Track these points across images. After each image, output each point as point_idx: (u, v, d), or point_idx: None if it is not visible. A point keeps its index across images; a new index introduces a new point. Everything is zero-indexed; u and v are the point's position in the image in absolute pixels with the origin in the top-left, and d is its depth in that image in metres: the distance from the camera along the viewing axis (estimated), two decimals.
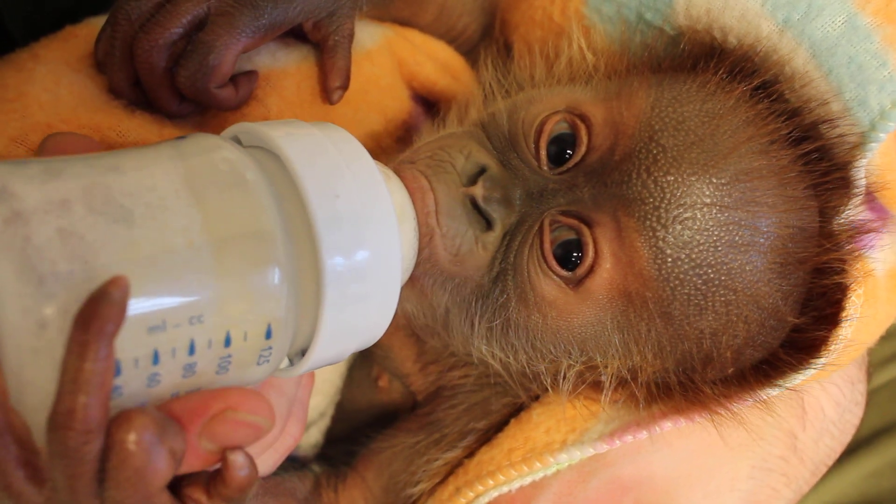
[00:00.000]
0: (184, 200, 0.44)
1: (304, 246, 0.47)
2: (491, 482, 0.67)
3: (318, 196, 0.47)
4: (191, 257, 0.43)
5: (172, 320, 0.43)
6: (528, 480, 0.67)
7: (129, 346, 0.41)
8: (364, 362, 0.79)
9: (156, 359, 0.43)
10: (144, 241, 0.42)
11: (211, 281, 0.43)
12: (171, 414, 0.44)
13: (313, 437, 0.77)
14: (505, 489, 0.67)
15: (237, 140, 0.51)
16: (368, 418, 0.79)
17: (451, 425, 0.72)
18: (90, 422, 0.40)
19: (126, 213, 0.42)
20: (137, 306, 0.41)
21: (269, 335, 0.46)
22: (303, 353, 0.51)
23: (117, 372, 0.41)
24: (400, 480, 0.72)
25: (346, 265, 0.48)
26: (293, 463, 0.76)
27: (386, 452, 0.74)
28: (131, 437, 0.41)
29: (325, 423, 0.77)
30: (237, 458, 0.46)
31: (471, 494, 0.67)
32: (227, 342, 0.45)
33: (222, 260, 0.44)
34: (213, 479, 0.47)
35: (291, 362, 0.52)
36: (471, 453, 0.71)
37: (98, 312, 0.39)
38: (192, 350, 0.44)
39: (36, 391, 0.41)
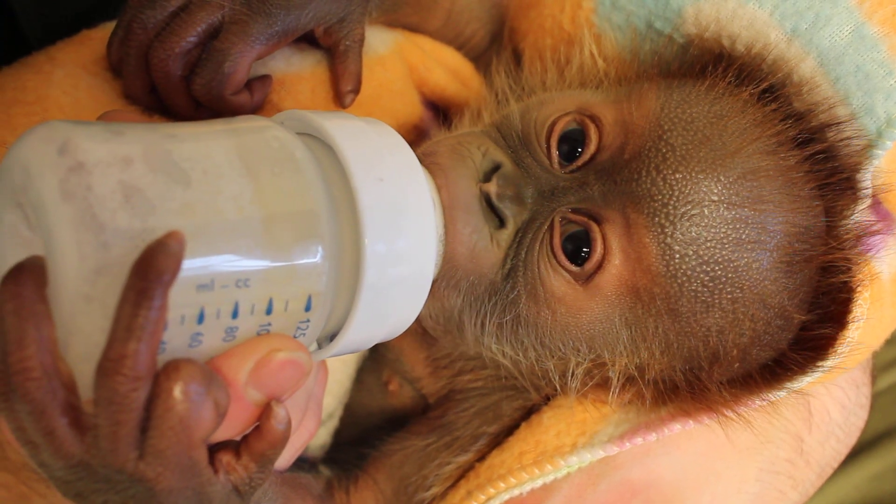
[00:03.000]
0: (237, 171, 0.45)
1: (346, 227, 0.49)
2: (502, 485, 0.67)
3: (363, 177, 0.49)
4: (240, 223, 0.44)
5: (220, 281, 0.44)
6: (539, 483, 0.67)
7: (178, 301, 0.42)
8: (374, 367, 0.79)
9: (201, 318, 0.44)
10: (199, 203, 0.44)
11: (259, 249, 0.45)
12: (215, 368, 0.45)
13: (321, 437, 0.77)
14: (516, 492, 0.67)
15: None
16: (379, 422, 0.79)
17: (463, 429, 0.72)
18: (140, 368, 0.41)
19: (184, 175, 0.44)
20: (189, 264, 0.42)
21: (308, 308, 0.48)
22: (331, 338, 0.52)
23: (164, 327, 0.42)
24: (411, 483, 0.72)
25: (387, 250, 0.49)
26: (303, 464, 0.77)
27: (397, 455, 0.74)
28: (178, 386, 0.42)
29: (333, 424, 0.78)
30: (280, 411, 0.47)
31: (482, 497, 0.67)
32: (269, 310, 0.46)
33: (270, 230, 0.45)
34: (243, 442, 0.48)
35: (319, 346, 0.53)
36: (482, 457, 0.71)
37: (156, 262, 0.40)
38: (235, 313, 0.45)
39: (84, 340, 0.42)
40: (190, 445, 0.44)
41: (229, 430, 0.47)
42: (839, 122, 0.63)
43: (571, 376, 0.65)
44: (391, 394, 0.78)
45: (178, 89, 0.61)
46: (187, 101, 0.62)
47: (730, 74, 0.63)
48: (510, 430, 0.71)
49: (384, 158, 0.51)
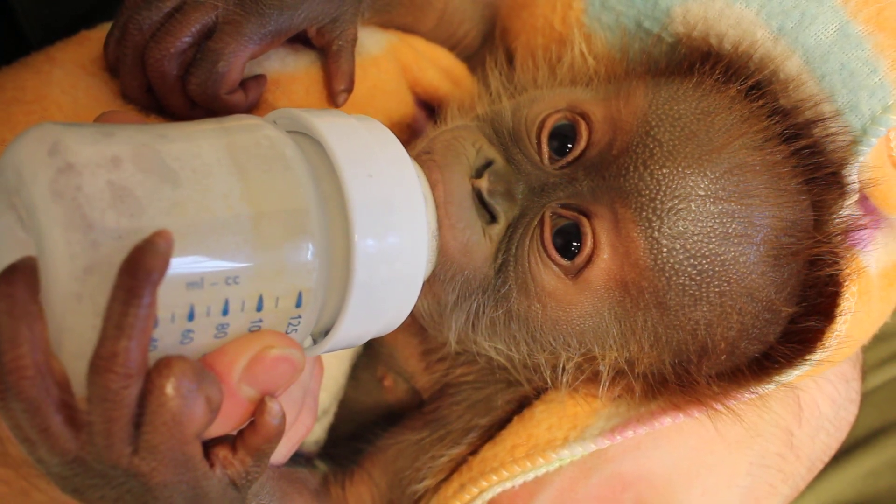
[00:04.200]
0: (226, 169, 0.46)
1: (336, 224, 0.49)
2: (495, 478, 0.68)
3: (353, 174, 0.49)
4: (230, 221, 0.45)
5: (210, 279, 0.44)
6: (530, 476, 0.68)
7: (167, 300, 0.43)
8: (369, 363, 0.80)
9: (191, 315, 0.44)
10: (188, 202, 0.44)
11: (248, 246, 0.45)
12: (208, 365, 0.46)
13: (316, 433, 0.78)
14: (508, 485, 0.68)
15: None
16: (374, 417, 0.80)
17: (455, 422, 0.73)
18: (131, 366, 0.42)
19: (173, 174, 0.44)
20: (178, 262, 0.43)
21: (299, 304, 0.48)
22: (325, 333, 0.52)
23: (154, 324, 0.43)
24: (405, 477, 0.73)
25: (377, 246, 0.50)
26: (299, 459, 0.78)
27: (391, 450, 0.75)
28: (170, 383, 0.43)
29: (328, 420, 0.78)
30: (273, 406, 0.48)
31: (475, 490, 0.68)
32: (260, 306, 0.47)
33: (259, 227, 0.46)
34: (238, 437, 0.49)
35: (314, 341, 0.53)
36: (475, 450, 0.72)
37: (144, 261, 0.41)
38: (225, 310, 0.45)
39: (76, 338, 0.42)
40: (183, 441, 0.45)
41: (224, 425, 0.48)
42: (825, 119, 0.63)
43: (562, 370, 0.66)
44: (386, 389, 0.79)
45: (173, 89, 0.62)
46: (183, 100, 0.63)
47: (717, 72, 0.64)
48: (502, 424, 0.72)
49: (374, 155, 0.51)
